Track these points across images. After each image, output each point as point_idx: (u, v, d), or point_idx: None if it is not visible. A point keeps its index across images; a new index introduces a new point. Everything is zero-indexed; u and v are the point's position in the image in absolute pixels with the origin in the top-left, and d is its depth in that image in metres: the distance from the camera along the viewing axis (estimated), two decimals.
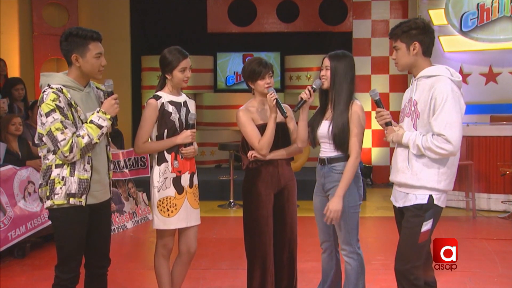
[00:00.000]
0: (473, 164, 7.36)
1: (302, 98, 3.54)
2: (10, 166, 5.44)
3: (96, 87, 3.37)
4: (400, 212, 3.24)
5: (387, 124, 3.23)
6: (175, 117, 3.59)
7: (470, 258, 5.32)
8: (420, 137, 3.06)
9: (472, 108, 8.71)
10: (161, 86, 3.67)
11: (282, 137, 3.74)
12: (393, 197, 3.29)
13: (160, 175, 3.58)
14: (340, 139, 3.50)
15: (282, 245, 3.78)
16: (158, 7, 10.57)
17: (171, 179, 3.59)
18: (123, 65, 9.96)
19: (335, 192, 3.48)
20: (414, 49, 3.13)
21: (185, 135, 3.58)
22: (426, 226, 3.09)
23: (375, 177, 9.88)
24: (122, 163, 6.89)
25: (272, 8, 10.25)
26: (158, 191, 3.58)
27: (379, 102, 3.27)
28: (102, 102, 3.29)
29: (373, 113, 3.52)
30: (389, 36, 3.24)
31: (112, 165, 3.41)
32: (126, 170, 6.95)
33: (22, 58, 9.10)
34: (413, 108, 3.15)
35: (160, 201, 3.58)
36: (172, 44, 3.77)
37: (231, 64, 10.84)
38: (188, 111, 3.67)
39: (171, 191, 3.59)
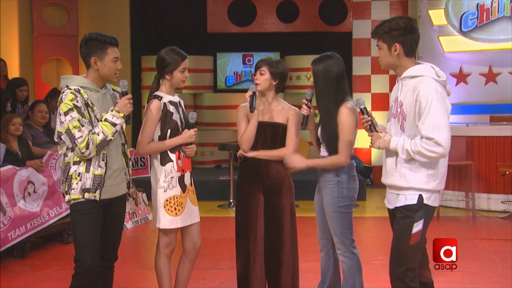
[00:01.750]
0: (473, 164, 7.36)
1: (303, 115, 3.56)
2: (10, 166, 5.43)
3: (112, 89, 3.53)
4: (393, 214, 3.22)
5: (371, 127, 3.19)
6: (176, 117, 3.63)
7: (470, 258, 5.32)
8: (408, 142, 3.00)
9: (472, 108, 8.71)
10: (157, 87, 3.69)
11: (271, 138, 3.72)
12: (386, 199, 3.27)
13: (166, 175, 3.60)
14: (326, 141, 3.51)
15: (269, 246, 3.74)
16: (158, 7, 10.57)
17: (177, 178, 3.63)
18: (123, 65, 9.84)
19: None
20: (395, 51, 3.06)
21: (189, 135, 3.63)
22: (417, 227, 3.05)
23: (375, 177, 9.86)
24: None
25: (272, 8, 10.24)
26: (164, 191, 3.60)
27: (364, 111, 3.23)
28: (117, 103, 3.41)
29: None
30: (371, 34, 3.16)
31: (130, 163, 3.58)
32: None
33: (22, 58, 9.09)
34: (399, 110, 3.10)
35: (167, 200, 3.60)
36: (172, 44, 3.77)
37: (231, 64, 10.83)
38: (183, 110, 3.73)
39: (177, 190, 3.63)
